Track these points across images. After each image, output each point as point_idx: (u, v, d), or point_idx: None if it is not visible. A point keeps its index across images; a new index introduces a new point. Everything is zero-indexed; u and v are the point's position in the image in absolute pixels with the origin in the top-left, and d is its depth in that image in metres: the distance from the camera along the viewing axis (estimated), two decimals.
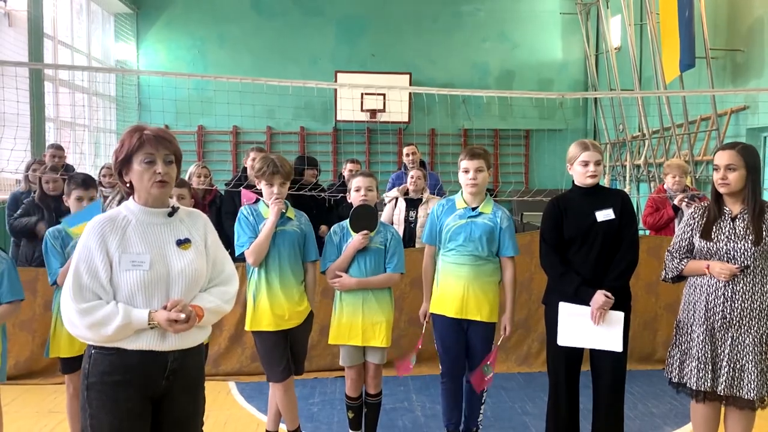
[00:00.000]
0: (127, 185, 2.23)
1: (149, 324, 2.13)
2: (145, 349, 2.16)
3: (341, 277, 3.46)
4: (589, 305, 3.15)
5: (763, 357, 2.94)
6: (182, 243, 2.25)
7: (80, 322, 2.08)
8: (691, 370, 3.03)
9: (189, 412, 2.31)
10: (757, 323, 2.94)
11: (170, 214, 2.26)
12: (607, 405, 3.29)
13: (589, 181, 3.25)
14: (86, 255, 2.12)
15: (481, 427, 3.59)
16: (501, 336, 3.50)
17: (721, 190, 2.99)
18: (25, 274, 4.76)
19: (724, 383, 2.95)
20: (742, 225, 2.97)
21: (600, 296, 3.12)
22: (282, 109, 11.56)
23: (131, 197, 2.25)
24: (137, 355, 2.15)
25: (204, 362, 2.46)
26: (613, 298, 3.13)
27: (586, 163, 3.23)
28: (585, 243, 3.22)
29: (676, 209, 5.31)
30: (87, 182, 3.50)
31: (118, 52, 12.27)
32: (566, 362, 3.29)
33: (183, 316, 2.12)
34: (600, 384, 3.30)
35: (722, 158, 2.98)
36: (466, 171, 3.44)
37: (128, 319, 2.10)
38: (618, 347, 3.16)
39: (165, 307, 2.15)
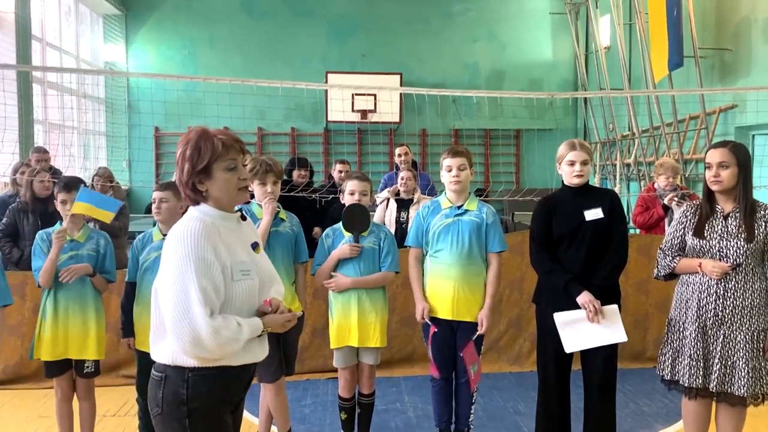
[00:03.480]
0: (202, 194, 2.06)
1: (262, 331, 2.05)
2: (252, 362, 2.08)
3: (335, 277, 3.45)
4: (578, 306, 3.16)
5: (755, 354, 2.96)
6: (255, 247, 2.17)
7: (213, 341, 1.90)
8: (683, 367, 3.04)
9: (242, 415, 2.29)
10: (749, 320, 2.95)
11: (243, 218, 2.17)
12: (598, 404, 3.30)
13: (576, 181, 3.26)
14: (205, 268, 1.93)
15: (472, 426, 3.59)
16: (477, 332, 3.44)
17: (714, 187, 3.00)
18: (14, 278, 4.72)
19: (715, 380, 2.97)
20: (734, 223, 2.98)
21: (584, 296, 3.14)
22: (272, 110, 11.54)
23: (202, 203, 2.08)
24: (238, 371, 2.05)
25: None
26: (599, 301, 3.14)
27: (572, 163, 3.25)
28: (574, 242, 3.23)
29: (666, 208, 5.34)
30: (69, 185, 3.45)
31: (107, 54, 12.20)
32: (556, 362, 3.29)
33: (300, 313, 2.09)
34: (591, 383, 3.31)
35: (714, 156, 2.98)
36: (449, 169, 3.44)
37: (251, 329, 1.99)
38: (622, 338, 3.16)
39: (264, 312, 2.08)
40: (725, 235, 2.97)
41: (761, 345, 2.96)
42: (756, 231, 2.94)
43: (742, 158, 2.97)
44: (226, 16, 12.56)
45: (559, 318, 3.19)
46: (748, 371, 2.93)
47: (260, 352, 2.11)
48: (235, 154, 2.07)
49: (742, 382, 2.93)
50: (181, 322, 1.91)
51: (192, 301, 1.90)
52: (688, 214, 3.12)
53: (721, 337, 2.97)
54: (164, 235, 3.18)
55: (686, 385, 3.03)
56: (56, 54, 10.53)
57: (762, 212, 2.98)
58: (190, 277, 1.92)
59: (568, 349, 3.19)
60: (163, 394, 2.00)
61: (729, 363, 2.97)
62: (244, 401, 2.26)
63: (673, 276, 3.17)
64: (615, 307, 3.19)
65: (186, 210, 2.14)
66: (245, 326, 1.98)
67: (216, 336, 1.91)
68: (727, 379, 2.97)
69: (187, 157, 2.03)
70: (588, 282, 3.18)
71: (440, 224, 3.46)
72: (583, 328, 3.16)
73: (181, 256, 1.94)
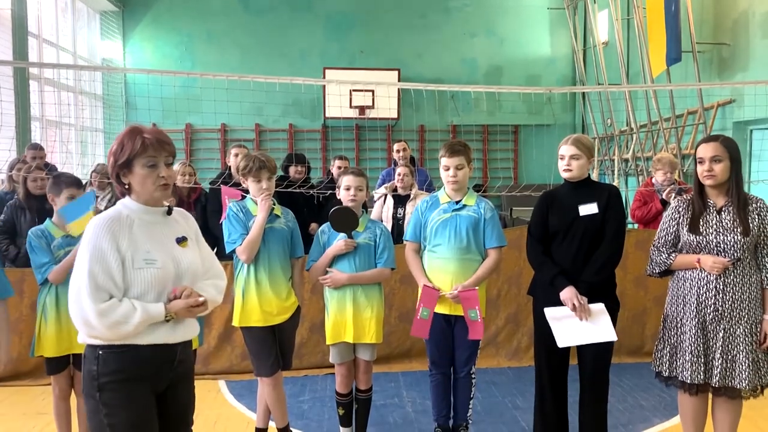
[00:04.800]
0: (126, 186, 2.23)
1: (166, 317, 2.16)
2: (159, 342, 2.18)
3: (331, 273, 3.45)
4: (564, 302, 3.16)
5: (754, 347, 2.96)
6: (181, 241, 2.30)
7: (99, 323, 2.06)
8: (683, 363, 3.03)
9: (187, 401, 2.38)
10: (747, 314, 2.96)
11: (168, 213, 2.31)
12: (589, 398, 3.32)
13: (565, 175, 3.27)
14: (99, 255, 2.09)
15: (470, 421, 3.59)
16: (453, 290, 3.36)
17: (708, 182, 2.99)
18: (12, 275, 4.70)
19: (718, 375, 2.96)
20: (728, 217, 2.97)
21: (566, 292, 3.14)
22: (270, 106, 11.47)
23: (127, 196, 2.25)
24: (149, 350, 2.16)
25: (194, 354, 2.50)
26: (586, 298, 3.14)
27: (562, 157, 3.26)
28: (567, 236, 3.23)
29: (664, 203, 5.33)
30: (80, 182, 3.49)
31: (104, 50, 12.17)
32: (552, 355, 3.29)
33: (202, 298, 2.21)
34: (584, 378, 3.32)
35: (707, 150, 2.98)
36: (447, 168, 3.44)
37: (147, 315, 2.11)
38: (612, 337, 3.15)
39: (174, 298, 2.20)
40: (721, 230, 2.97)
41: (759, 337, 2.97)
42: (750, 224, 2.95)
43: (733, 152, 2.97)
44: (224, 12, 12.52)
45: (549, 313, 3.20)
46: (749, 364, 2.93)
47: (170, 336, 2.21)
48: (155, 153, 2.19)
49: (744, 375, 2.94)
50: (74, 304, 2.09)
51: (82, 285, 2.07)
52: (680, 209, 3.10)
53: (722, 331, 2.97)
54: None
55: (688, 381, 3.01)
56: (53, 50, 10.50)
57: (754, 205, 2.99)
58: (85, 262, 2.09)
59: (560, 344, 3.18)
60: (82, 372, 2.18)
61: (730, 357, 2.97)
62: (188, 382, 2.36)
63: (668, 273, 3.16)
64: (601, 305, 3.17)
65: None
66: (140, 310, 2.11)
67: (102, 318, 2.06)
68: (728, 373, 2.97)
69: (112, 152, 2.20)
70: (577, 277, 3.17)
71: (438, 219, 3.46)
72: (571, 325, 3.16)
73: (83, 243, 2.13)
